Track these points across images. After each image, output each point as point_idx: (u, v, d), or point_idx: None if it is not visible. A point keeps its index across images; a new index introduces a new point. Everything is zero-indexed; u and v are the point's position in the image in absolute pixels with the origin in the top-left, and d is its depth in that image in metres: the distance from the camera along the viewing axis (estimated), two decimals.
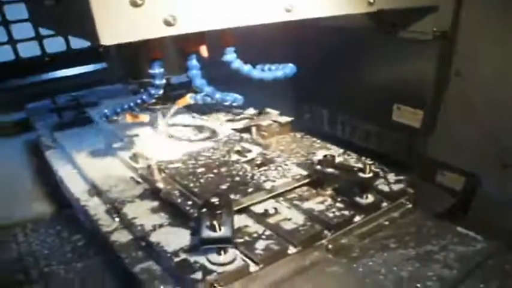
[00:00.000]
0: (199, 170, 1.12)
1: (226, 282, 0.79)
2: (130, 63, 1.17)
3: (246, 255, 0.84)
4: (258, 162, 1.15)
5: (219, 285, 0.79)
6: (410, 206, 1.04)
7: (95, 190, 1.17)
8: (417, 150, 1.43)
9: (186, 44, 0.98)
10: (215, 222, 0.80)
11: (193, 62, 1.00)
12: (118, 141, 1.36)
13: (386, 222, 0.99)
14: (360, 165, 1.04)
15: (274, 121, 1.42)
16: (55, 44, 2.18)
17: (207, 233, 0.80)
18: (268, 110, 1.48)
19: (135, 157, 1.22)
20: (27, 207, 1.50)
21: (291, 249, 0.87)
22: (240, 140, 1.31)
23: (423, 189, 1.13)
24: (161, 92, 1.01)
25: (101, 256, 1.17)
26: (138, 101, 1.07)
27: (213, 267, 0.80)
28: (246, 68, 1.04)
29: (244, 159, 1.17)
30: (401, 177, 1.08)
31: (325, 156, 1.04)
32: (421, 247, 0.90)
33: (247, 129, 1.41)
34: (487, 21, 1.16)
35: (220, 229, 0.80)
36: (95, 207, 1.11)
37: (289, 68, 1.11)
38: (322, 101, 1.78)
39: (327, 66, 1.64)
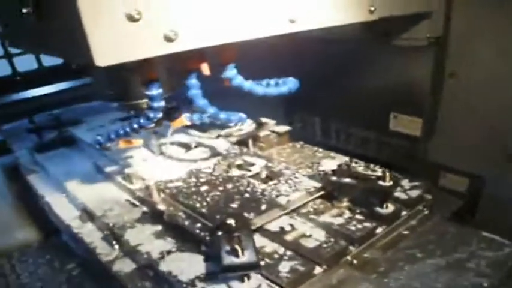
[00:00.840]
0: (203, 188, 1.05)
1: None
2: (118, 85, 1.07)
3: (270, 280, 0.77)
4: (265, 176, 1.09)
5: None
6: (427, 212, 1.00)
7: (88, 215, 1.09)
8: (417, 155, 1.41)
9: (186, 62, 0.91)
10: (237, 246, 0.73)
11: (193, 81, 0.93)
12: (107, 161, 1.27)
13: (406, 232, 0.94)
14: (369, 172, 0.99)
15: (272, 131, 1.36)
16: (26, 62, 2.08)
17: (229, 259, 0.73)
18: (264, 120, 1.41)
19: (128, 177, 1.14)
20: (10, 236, 1.39)
21: (317, 269, 0.80)
22: (240, 153, 1.25)
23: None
24: (160, 115, 0.94)
25: (99, 285, 1.08)
26: (135, 125, 0.98)
27: None
28: (248, 85, 0.98)
29: (249, 173, 1.11)
30: (417, 183, 1.03)
31: (339, 165, 0.99)
32: (449, 255, 0.85)
33: (243, 142, 1.34)
34: (478, 24, 1.15)
35: (243, 253, 0.73)
36: (90, 234, 1.04)
37: (292, 83, 1.06)
38: (315, 110, 1.74)
39: (321, 76, 1.60)
